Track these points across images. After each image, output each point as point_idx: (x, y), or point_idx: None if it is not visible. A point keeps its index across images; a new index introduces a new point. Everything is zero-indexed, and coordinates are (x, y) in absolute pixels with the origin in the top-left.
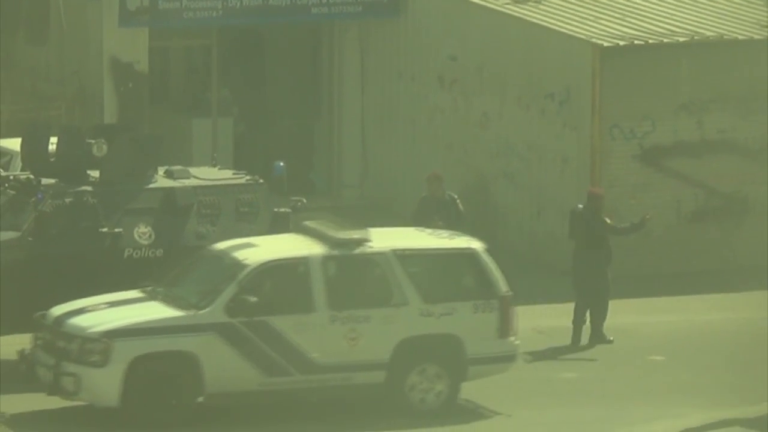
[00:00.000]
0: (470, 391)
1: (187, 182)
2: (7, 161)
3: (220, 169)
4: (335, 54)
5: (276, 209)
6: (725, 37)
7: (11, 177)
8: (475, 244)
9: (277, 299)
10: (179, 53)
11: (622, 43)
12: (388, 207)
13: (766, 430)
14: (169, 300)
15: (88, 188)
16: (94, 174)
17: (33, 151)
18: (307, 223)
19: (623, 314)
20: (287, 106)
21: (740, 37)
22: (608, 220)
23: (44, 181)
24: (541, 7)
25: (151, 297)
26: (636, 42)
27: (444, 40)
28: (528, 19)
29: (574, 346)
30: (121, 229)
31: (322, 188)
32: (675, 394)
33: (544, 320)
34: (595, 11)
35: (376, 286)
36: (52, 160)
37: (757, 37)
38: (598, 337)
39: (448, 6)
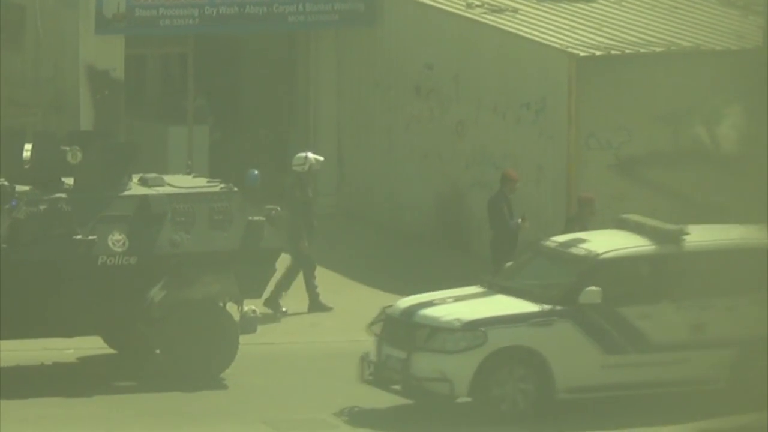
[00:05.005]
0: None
1: (161, 190)
2: None
3: (194, 176)
4: (311, 63)
5: (250, 217)
6: (702, 47)
7: None
8: None
9: None
10: (156, 61)
11: (598, 53)
12: (364, 216)
13: None
14: None
15: (63, 195)
16: (69, 181)
17: (7, 158)
18: None
19: None
20: (263, 114)
21: (717, 47)
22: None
23: (18, 188)
24: (518, 16)
25: None
26: (612, 52)
27: (420, 49)
28: (504, 28)
29: None
30: (95, 237)
31: None
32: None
33: None
34: (572, 21)
35: None
36: (27, 167)
37: (733, 47)
38: None
39: (425, 15)
